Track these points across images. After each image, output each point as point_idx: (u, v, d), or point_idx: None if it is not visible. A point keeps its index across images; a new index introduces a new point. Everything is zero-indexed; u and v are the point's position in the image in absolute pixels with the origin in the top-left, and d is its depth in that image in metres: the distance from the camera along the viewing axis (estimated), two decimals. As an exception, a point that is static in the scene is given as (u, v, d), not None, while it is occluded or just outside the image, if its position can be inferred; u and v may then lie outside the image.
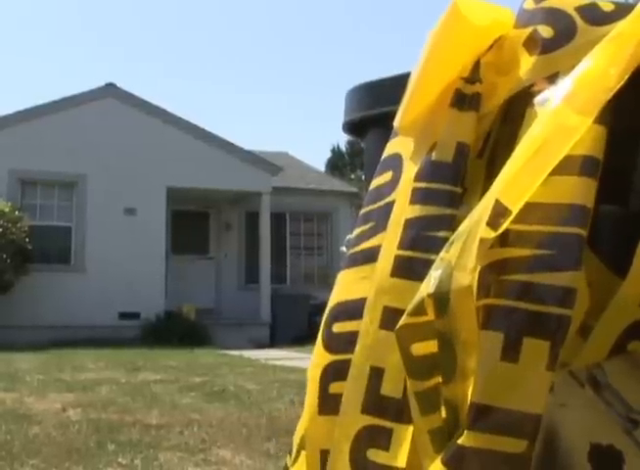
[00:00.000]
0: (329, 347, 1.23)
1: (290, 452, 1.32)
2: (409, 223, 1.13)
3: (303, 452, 1.27)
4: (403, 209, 1.15)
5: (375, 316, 1.11)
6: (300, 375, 9.83)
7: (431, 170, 1.14)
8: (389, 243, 1.15)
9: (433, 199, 1.12)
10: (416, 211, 1.13)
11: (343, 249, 1.49)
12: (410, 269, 1.08)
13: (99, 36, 65.62)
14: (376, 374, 1.10)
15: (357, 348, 1.13)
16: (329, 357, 1.23)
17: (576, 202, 0.95)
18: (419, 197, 1.13)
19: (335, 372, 1.21)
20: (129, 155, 16.58)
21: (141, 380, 9.25)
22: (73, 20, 64.68)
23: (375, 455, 1.09)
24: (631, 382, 1.06)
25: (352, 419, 1.12)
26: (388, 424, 1.09)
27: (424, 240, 1.09)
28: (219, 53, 68.01)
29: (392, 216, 1.16)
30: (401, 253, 1.12)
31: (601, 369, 1.05)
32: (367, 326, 1.12)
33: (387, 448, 1.08)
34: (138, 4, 64.38)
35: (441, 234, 1.07)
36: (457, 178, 1.12)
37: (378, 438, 1.08)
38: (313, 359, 1.26)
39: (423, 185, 1.14)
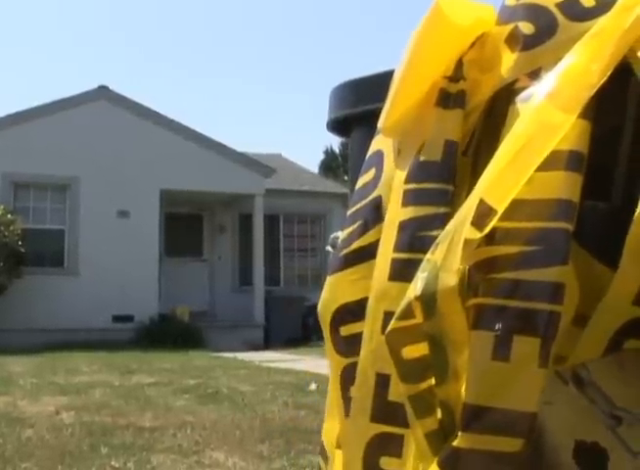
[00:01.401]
0: (341, 351, 1.24)
1: (321, 454, 1.33)
2: (403, 225, 1.12)
3: (338, 452, 1.28)
4: (396, 212, 1.14)
5: (376, 322, 1.09)
6: (294, 377, 9.83)
7: (420, 171, 1.14)
8: (385, 247, 1.14)
9: (424, 199, 1.11)
10: (409, 212, 1.12)
11: (329, 248, 1.49)
12: (408, 272, 1.06)
13: (93, 38, 65.54)
14: (382, 380, 1.09)
15: (362, 354, 1.13)
16: (343, 362, 1.23)
17: (563, 197, 0.95)
18: (410, 198, 1.13)
19: (353, 375, 1.22)
20: (122, 157, 16.55)
21: (135, 383, 9.23)
22: (69, 20, 64.65)
23: (388, 464, 1.09)
24: (614, 379, 1.06)
25: (363, 427, 1.12)
26: (398, 431, 1.08)
27: (419, 240, 1.08)
28: (212, 55, 68.02)
29: (386, 221, 1.16)
30: (398, 255, 1.11)
31: (584, 367, 1.05)
32: (370, 332, 1.11)
33: (399, 455, 1.08)
34: (131, 6, 64.38)
35: (436, 233, 1.06)
36: (447, 176, 1.11)
37: (389, 445, 1.08)
38: (330, 366, 1.27)
39: (413, 186, 1.13)
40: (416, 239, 1.09)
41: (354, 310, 1.22)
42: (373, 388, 1.10)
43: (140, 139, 16.88)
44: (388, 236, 1.14)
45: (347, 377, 1.23)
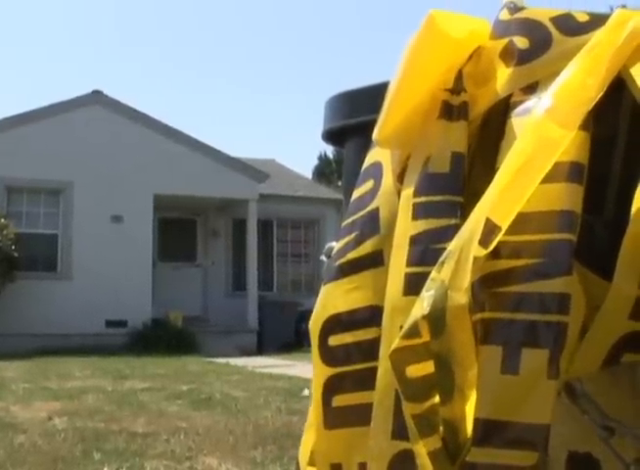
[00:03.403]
0: (327, 361, 1.23)
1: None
2: (415, 239, 1.11)
3: (311, 469, 1.27)
4: (406, 226, 1.13)
5: (393, 338, 1.06)
6: (287, 383, 9.81)
7: (429, 184, 1.13)
8: (397, 262, 1.13)
9: (435, 212, 1.11)
10: (420, 226, 1.11)
11: (324, 258, 1.49)
12: (422, 286, 1.03)
13: (87, 39, 65.42)
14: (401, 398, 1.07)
15: (379, 372, 1.12)
16: (328, 371, 1.23)
17: (565, 208, 0.96)
18: (421, 211, 1.12)
19: (336, 385, 1.22)
20: (116, 162, 16.51)
21: (128, 388, 9.20)
22: (62, 25, 64.52)
23: None
24: (607, 390, 1.06)
25: (384, 446, 1.11)
26: None
27: (432, 254, 1.06)
28: (206, 60, 67.96)
29: (396, 235, 1.15)
30: (411, 270, 1.10)
31: (577, 378, 1.06)
32: (386, 349, 1.09)
33: None
34: (121, 9, 64.27)
35: (448, 245, 1.04)
36: (456, 188, 1.11)
37: (412, 462, 1.06)
38: (314, 375, 1.26)
39: (423, 199, 1.13)
40: (429, 252, 1.08)
41: (344, 321, 1.22)
42: (392, 406, 1.09)
43: (134, 144, 16.86)
44: (399, 250, 1.13)
45: (330, 387, 1.22)
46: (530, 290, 0.95)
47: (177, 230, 19.01)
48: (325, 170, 40.46)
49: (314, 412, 1.26)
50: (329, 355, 1.24)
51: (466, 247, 0.95)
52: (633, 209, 0.93)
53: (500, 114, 1.10)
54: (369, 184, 1.28)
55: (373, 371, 1.14)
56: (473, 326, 0.96)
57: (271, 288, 19.59)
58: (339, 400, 1.22)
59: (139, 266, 16.54)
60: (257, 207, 17.88)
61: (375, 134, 1.24)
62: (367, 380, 1.15)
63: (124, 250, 16.38)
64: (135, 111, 17.30)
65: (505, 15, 1.16)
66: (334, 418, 1.22)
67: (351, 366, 1.21)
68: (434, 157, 1.14)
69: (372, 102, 1.30)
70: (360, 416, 1.16)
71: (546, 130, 0.98)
